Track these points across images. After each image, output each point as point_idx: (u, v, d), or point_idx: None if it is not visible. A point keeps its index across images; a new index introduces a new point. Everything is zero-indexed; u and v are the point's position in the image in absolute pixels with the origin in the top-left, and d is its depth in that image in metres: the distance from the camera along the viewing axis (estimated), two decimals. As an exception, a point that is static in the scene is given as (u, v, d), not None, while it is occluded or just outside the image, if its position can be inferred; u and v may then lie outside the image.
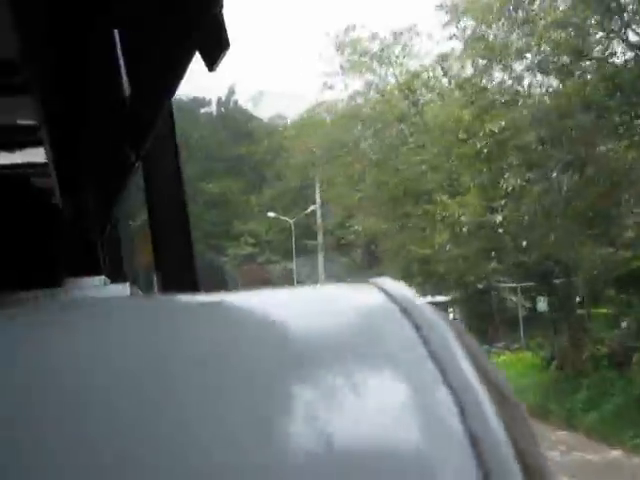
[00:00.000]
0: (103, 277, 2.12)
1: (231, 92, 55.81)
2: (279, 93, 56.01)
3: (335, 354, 0.41)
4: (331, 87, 24.22)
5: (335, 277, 48.28)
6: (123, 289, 1.88)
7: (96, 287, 1.87)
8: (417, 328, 0.42)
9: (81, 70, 1.88)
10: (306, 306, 0.47)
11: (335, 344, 0.42)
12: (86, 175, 2.97)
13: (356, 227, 26.74)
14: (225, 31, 1.08)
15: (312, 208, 46.79)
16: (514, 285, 18.57)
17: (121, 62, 1.59)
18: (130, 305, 0.55)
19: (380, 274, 0.58)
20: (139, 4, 1.33)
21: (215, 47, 1.11)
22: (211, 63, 1.14)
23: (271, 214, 44.43)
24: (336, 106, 25.89)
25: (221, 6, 1.03)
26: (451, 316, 28.68)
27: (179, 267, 2.02)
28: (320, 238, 49.12)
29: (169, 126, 1.98)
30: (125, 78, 1.63)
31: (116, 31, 1.53)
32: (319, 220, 49.34)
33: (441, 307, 24.75)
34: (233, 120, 52.94)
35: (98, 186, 2.91)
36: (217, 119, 54.95)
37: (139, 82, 1.62)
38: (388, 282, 0.49)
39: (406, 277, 27.03)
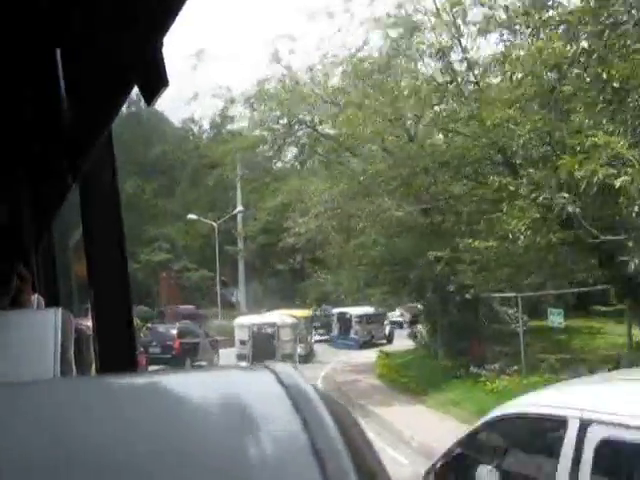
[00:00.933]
0: (37, 295, 2.43)
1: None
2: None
3: (218, 434, 0.50)
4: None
5: (256, 291, 46.05)
6: (54, 314, 1.97)
7: (25, 314, 2.03)
8: (304, 421, 0.50)
9: (21, 88, 1.92)
10: (202, 391, 0.55)
11: (219, 426, 0.51)
12: (22, 193, 3.03)
13: (297, 229, 24.02)
14: (164, 69, 1.14)
15: (238, 209, 44.02)
16: (510, 295, 15.97)
17: (62, 85, 1.67)
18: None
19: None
20: (83, 30, 1.39)
21: (154, 84, 1.17)
22: (149, 98, 1.20)
23: (192, 216, 41.26)
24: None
25: (161, 44, 1.13)
26: (421, 330, 26.45)
27: (113, 285, 2.03)
28: (241, 244, 46.61)
29: (108, 149, 1.98)
30: (66, 102, 1.72)
31: (59, 53, 1.62)
32: (240, 225, 46.77)
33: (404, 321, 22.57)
34: (142, 120, 49.61)
35: (34, 205, 3.05)
36: (127, 118, 51.47)
37: (79, 107, 1.68)
38: (280, 366, 0.58)
39: (367, 284, 24.70)
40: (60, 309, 2.12)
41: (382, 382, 19.58)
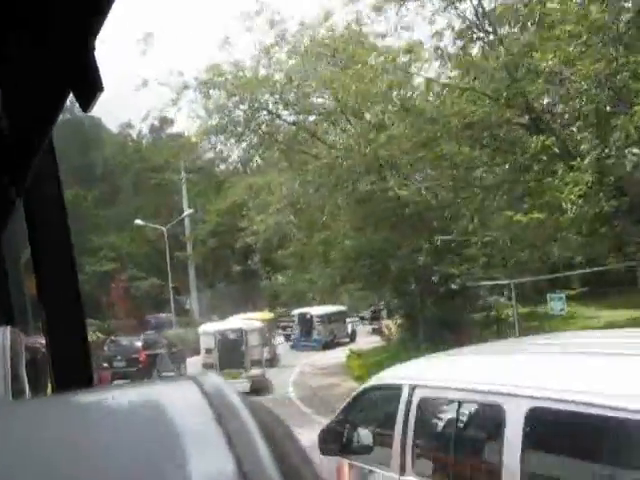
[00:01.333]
0: None
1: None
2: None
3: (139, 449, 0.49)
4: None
5: (209, 297, 44.65)
6: (2, 333, 2.08)
7: None
8: (227, 436, 0.49)
9: None
10: (117, 407, 0.54)
11: (133, 442, 0.50)
12: None
13: (256, 227, 22.74)
14: (98, 73, 1.14)
15: (187, 212, 42.39)
16: (502, 282, 14.58)
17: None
18: None
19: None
20: (14, 34, 1.32)
21: (89, 89, 1.16)
22: (85, 104, 1.19)
23: (139, 222, 39.40)
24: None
25: (93, 48, 1.12)
26: (389, 325, 25.44)
27: (64, 300, 1.98)
28: (190, 249, 44.97)
29: (50, 159, 1.95)
30: (2, 113, 1.66)
31: None
32: (188, 229, 45.17)
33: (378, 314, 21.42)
34: (78, 128, 47.58)
35: None
36: (62, 127, 49.49)
37: (16, 117, 1.65)
38: (206, 377, 0.56)
39: (342, 281, 23.33)
40: (8, 327, 2.25)
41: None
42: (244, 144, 19.25)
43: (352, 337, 33.30)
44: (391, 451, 5.10)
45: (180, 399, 0.54)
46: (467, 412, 4.61)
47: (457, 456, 4.57)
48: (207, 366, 19.64)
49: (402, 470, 4.94)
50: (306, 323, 32.00)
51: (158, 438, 0.49)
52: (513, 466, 3.79)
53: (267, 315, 29.96)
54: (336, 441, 5.84)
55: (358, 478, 5.65)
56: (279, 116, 18.43)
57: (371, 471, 5.40)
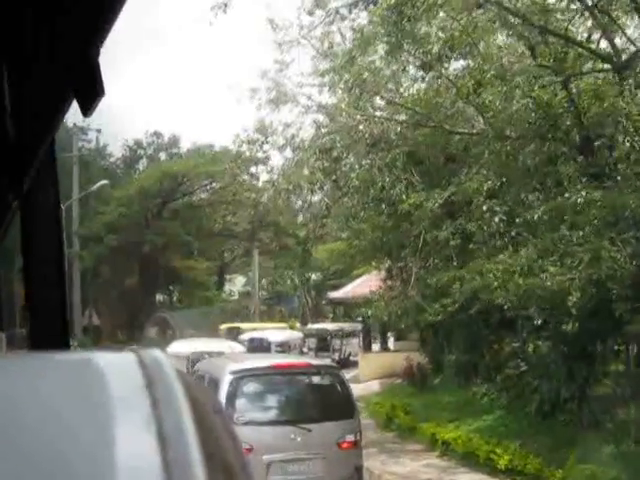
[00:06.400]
0: None
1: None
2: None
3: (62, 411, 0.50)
4: None
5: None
6: None
7: None
8: (153, 401, 0.50)
9: None
10: (53, 372, 0.56)
11: (61, 405, 0.50)
12: None
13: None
14: (100, 78, 1.18)
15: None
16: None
17: (7, 100, 1.63)
18: None
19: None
20: (22, 40, 1.37)
21: (90, 93, 1.21)
22: (86, 109, 1.25)
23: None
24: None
25: (97, 54, 1.18)
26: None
27: (50, 306, 1.98)
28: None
29: (50, 165, 1.95)
30: (9, 117, 1.67)
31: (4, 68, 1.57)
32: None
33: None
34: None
35: None
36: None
37: (22, 118, 1.67)
38: (146, 349, 0.58)
39: None
40: None
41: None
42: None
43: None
44: None
45: (116, 365, 0.55)
46: None
47: None
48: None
49: None
50: (323, 339, 31.00)
51: (85, 398, 0.50)
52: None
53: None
54: None
55: None
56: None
57: None
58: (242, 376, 9.85)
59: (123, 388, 0.51)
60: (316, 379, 10.58)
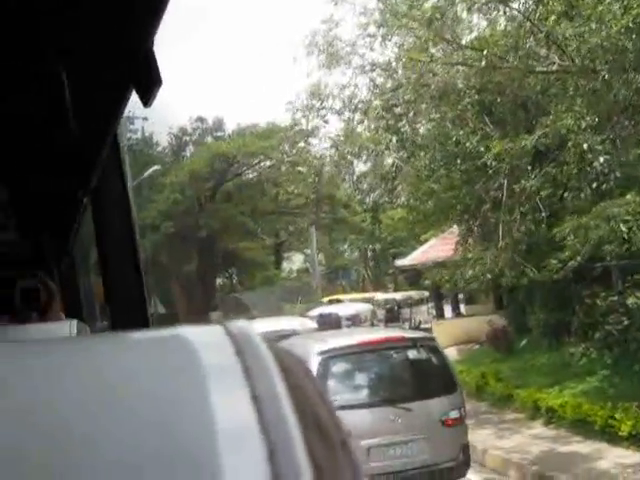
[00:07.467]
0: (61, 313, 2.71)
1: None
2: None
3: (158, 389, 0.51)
4: None
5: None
6: (69, 325, 2.22)
7: (42, 326, 2.28)
8: (245, 368, 0.52)
9: (29, 105, 1.83)
10: (157, 342, 0.58)
11: (154, 375, 0.52)
12: (39, 212, 3.04)
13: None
14: (157, 67, 1.23)
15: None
16: None
17: (67, 97, 1.61)
18: None
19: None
20: (80, 38, 1.36)
21: (147, 83, 1.26)
22: (146, 99, 1.29)
23: None
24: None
25: (151, 43, 1.21)
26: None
27: (129, 299, 2.01)
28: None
29: (115, 161, 1.97)
30: (71, 115, 1.66)
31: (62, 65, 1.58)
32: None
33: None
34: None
35: (51, 223, 3.17)
36: None
37: (83, 114, 1.65)
38: (235, 322, 0.59)
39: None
40: (75, 320, 2.41)
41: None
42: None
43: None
44: None
45: (205, 336, 0.57)
46: None
47: None
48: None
49: None
50: (391, 309, 30.31)
51: (179, 368, 0.52)
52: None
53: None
54: None
55: None
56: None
57: None
58: (331, 356, 9.03)
59: (214, 357, 0.53)
60: (411, 353, 9.63)
